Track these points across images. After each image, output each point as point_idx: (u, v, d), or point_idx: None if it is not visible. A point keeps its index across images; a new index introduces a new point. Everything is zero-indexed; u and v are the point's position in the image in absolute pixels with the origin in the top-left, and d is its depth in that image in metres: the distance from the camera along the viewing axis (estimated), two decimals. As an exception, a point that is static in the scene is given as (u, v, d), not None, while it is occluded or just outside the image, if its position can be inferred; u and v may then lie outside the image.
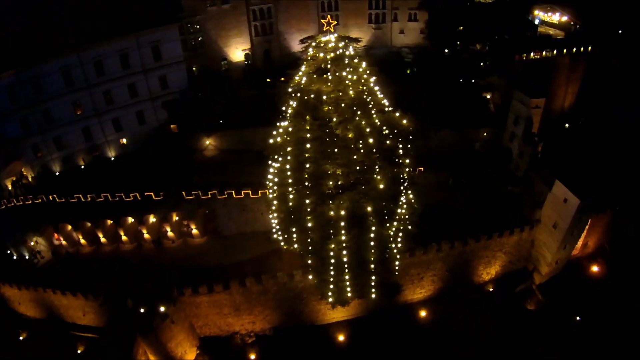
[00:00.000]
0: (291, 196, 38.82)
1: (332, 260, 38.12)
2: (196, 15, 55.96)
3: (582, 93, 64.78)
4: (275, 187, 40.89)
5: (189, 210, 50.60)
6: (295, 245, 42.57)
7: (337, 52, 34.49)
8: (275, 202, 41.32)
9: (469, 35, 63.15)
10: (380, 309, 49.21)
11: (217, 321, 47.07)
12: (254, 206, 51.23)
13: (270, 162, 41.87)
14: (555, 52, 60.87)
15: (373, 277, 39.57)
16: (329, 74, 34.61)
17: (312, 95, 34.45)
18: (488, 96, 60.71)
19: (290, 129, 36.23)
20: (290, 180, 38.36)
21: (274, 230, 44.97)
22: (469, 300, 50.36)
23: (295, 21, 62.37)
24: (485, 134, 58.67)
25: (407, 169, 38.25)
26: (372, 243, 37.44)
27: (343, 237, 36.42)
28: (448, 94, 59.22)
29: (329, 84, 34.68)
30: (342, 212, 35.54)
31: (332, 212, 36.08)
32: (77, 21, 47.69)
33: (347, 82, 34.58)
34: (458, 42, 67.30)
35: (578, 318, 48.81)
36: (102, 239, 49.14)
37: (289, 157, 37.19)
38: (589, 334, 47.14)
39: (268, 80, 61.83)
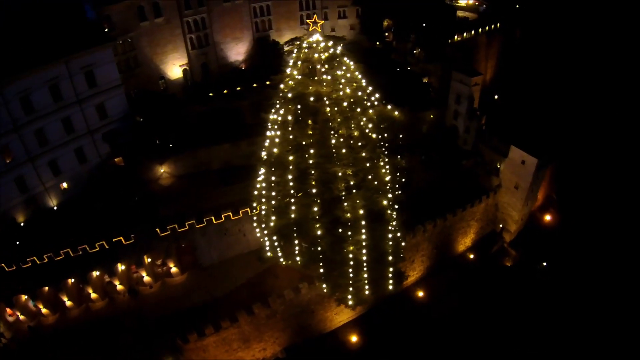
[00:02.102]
0: (293, 207, 37.23)
1: (351, 262, 37.75)
2: (128, 32, 49.84)
3: (500, 65, 73.66)
4: (272, 202, 38.72)
5: (164, 248, 45.29)
6: (298, 258, 40.97)
7: (329, 52, 33.92)
8: (272, 217, 39.10)
9: (398, 26, 67.15)
10: (380, 301, 49.65)
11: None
12: (235, 228, 47.88)
13: (261, 176, 39.67)
14: (472, 32, 67.92)
15: (391, 269, 40.07)
16: (324, 75, 33.84)
17: (312, 98, 33.31)
18: (425, 80, 65.18)
19: (290, 137, 34.53)
20: (292, 191, 36.85)
21: (267, 247, 42.71)
22: (456, 271, 53.92)
23: (230, 30, 59.40)
24: (431, 116, 62.87)
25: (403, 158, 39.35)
26: (389, 235, 37.94)
27: (363, 236, 36.15)
28: (390, 83, 62.08)
29: (324, 84, 33.97)
30: (361, 211, 35.28)
31: (348, 214, 35.63)
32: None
33: (342, 80, 34.24)
34: (386, 34, 71.27)
35: (544, 264, 55.47)
36: (68, 303, 41.37)
37: (291, 167, 35.58)
38: (554, 276, 53.95)
39: (211, 94, 58.22)
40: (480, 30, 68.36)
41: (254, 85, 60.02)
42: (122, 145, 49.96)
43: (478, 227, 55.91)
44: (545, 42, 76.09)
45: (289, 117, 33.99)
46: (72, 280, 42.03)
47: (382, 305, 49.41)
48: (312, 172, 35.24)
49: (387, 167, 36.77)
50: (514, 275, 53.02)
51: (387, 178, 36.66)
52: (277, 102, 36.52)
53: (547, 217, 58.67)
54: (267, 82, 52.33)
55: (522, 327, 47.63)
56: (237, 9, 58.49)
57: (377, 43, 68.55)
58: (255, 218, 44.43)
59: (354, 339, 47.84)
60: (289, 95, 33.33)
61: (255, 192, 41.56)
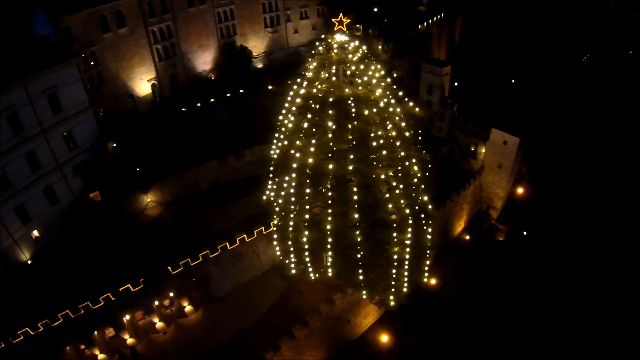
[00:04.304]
0: (329, 218, 35.28)
1: (395, 263, 37.04)
2: (91, 46, 42.17)
3: (450, 54, 78.39)
4: (305, 215, 36.16)
5: (176, 287, 39.95)
6: (330, 270, 39.13)
7: (360, 52, 32.50)
8: (305, 232, 36.57)
9: (359, 23, 67.51)
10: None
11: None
12: (249, 251, 44.17)
13: (286, 189, 36.69)
14: (425, 24, 71.17)
15: (427, 262, 40.21)
16: (358, 77, 32.37)
17: (351, 101, 31.66)
18: (395, 75, 66.53)
19: (331, 144, 32.43)
20: (330, 201, 34.84)
21: (291, 264, 40.05)
22: (458, 254, 56.22)
23: (196, 37, 54.06)
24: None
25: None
26: (429, 229, 37.93)
27: (409, 235, 35.60)
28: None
29: (359, 86, 32.54)
30: (407, 211, 34.66)
31: (394, 216, 34.75)
32: None
33: (374, 81, 33.12)
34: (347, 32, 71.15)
35: (525, 233, 60.43)
36: (75, 375, 34.36)
37: (329, 176, 33.54)
38: (534, 243, 59.18)
39: (184, 109, 52.74)
40: (430, 21, 71.97)
41: (228, 95, 55.97)
42: (97, 177, 42.84)
43: (468, 209, 58.87)
44: (488, 28, 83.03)
45: (329, 123, 31.89)
46: (69, 348, 34.95)
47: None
48: (352, 178, 33.75)
49: (416, 163, 36.75)
50: (508, 248, 56.88)
51: (419, 174, 36.70)
52: (297, 108, 34.26)
53: (520, 190, 63.87)
54: (270, 87, 48.64)
55: (525, 296, 51.37)
56: (202, 14, 53.61)
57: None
58: (275, 236, 41.21)
59: (384, 338, 47.22)
60: (330, 99, 31.21)
61: (277, 207, 38.79)
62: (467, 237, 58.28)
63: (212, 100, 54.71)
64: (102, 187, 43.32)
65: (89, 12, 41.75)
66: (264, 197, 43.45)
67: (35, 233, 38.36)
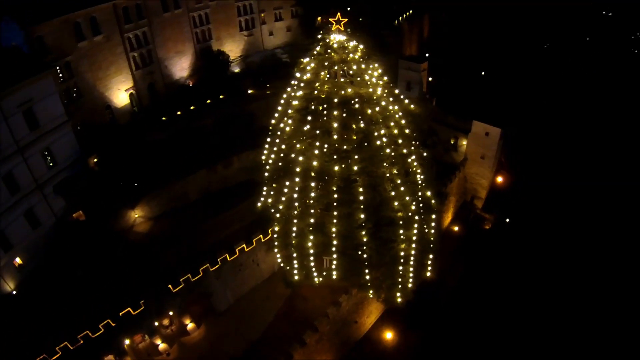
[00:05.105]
0: (335, 220, 34.90)
1: (402, 260, 37.17)
2: (65, 56, 39.06)
3: (421, 47, 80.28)
4: (310, 219, 35.54)
5: (177, 305, 38.13)
6: (334, 273, 38.80)
7: (360, 51, 32.28)
8: (310, 237, 35.97)
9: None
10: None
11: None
12: (249, 260, 42.93)
13: (294, 194, 35.83)
14: (396, 22, 72.34)
15: (431, 256, 40.64)
16: (358, 77, 32.13)
17: (356, 101, 31.40)
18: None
19: (336, 145, 32.01)
20: (335, 203, 34.39)
21: (294, 270, 39.31)
22: (450, 246, 57.35)
23: (172, 43, 51.71)
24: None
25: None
26: (433, 224, 38.35)
27: (415, 231, 35.83)
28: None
29: (361, 86, 32.30)
30: (413, 207, 34.83)
31: (400, 213, 34.80)
32: None
33: (373, 79, 33.04)
34: (321, 32, 70.94)
35: (507, 220, 62.68)
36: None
37: (335, 178, 33.09)
38: (518, 229, 61.58)
39: (164, 118, 50.47)
40: (401, 18, 73.31)
41: (208, 101, 54.19)
42: (80, 195, 40.05)
43: (454, 200, 60.19)
44: (455, 23, 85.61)
45: (335, 125, 31.46)
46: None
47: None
48: (357, 178, 33.51)
49: (417, 159, 37.08)
50: (496, 236, 58.71)
51: (419, 170, 37.06)
52: (297, 111, 33.63)
53: (499, 179, 66.15)
54: (250, 92, 47.30)
55: (520, 280, 53.28)
56: (177, 19, 51.46)
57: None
58: (277, 243, 40.22)
59: (388, 335, 47.30)
60: (335, 100, 30.77)
61: (277, 214, 37.95)
62: (456, 229, 59.62)
63: (192, 107, 52.74)
64: (86, 205, 40.62)
65: (62, 20, 38.89)
66: (259, 204, 42.52)
67: (18, 260, 35.35)
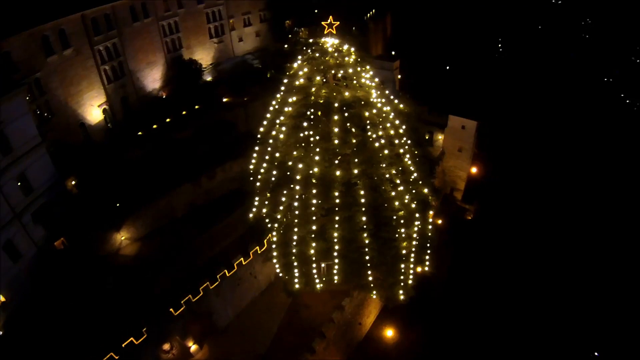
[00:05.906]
0: (336, 225, 34.80)
1: (404, 258, 37.61)
2: (35, 72, 35.79)
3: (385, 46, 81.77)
4: (312, 226, 35.13)
5: (180, 328, 36.48)
6: (336, 277, 38.74)
7: (353, 55, 32.31)
8: (312, 244, 35.64)
9: (298, 25, 67.33)
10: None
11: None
12: (247, 274, 41.78)
13: (294, 202, 35.23)
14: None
15: (428, 251, 41.38)
16: (353, 80, 32.15)
17: (354, 105, 31.41)
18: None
19: (337, 150, 31.85)
20: (337, 208, 34.25)
21: (295, 278, 38.83)
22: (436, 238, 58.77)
23: (143, 54, 49.12)
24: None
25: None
26: (430, 219, 39.09)
27: (415, 228, 36.39)
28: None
29: (357, 89, 32.34)
30: (413, 205, 35.34)
31: (401, 212, 35.17)
32: None
33: (368, 82, 33.22)
34: (290, 35, 70.58)
35: (485, 208, 65.21)
36: None
37: (336, 183, 32.93)
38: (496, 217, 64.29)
39: (140, 133, 48.13)
40: (365, 17, 74.41)
41: (184, 112, 52.30)
42: (60, 221, 37.33)
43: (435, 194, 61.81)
44: (416, 21, 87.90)
45: (335, 129, 31.29)
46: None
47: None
48: (357, 181, 33.57)
49: (411, 158, 37.71)
50: (478, 226, 60.88)
51: (413, 168, 37.71)
52: (292, 118, 33.23)
53: (474, 170, 68.67)
54: (225, 100, 46.06)
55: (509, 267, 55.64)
56: (147, 28, 49.07)
57: (285, 46, 67.19)
58: (275, 253, 39.45)
59: (389, 332, 47.76)
60: (335, 105, 30.60)
61: (275, 223, 37.25)
62: (440, 222, 61.14)
63: (168, 120, 50.68)
64: (67, 231, 37.93)
65: (30, 33, 35.88)
66: (251, 215, 41.67)
67: (2, 298, 32.36)
